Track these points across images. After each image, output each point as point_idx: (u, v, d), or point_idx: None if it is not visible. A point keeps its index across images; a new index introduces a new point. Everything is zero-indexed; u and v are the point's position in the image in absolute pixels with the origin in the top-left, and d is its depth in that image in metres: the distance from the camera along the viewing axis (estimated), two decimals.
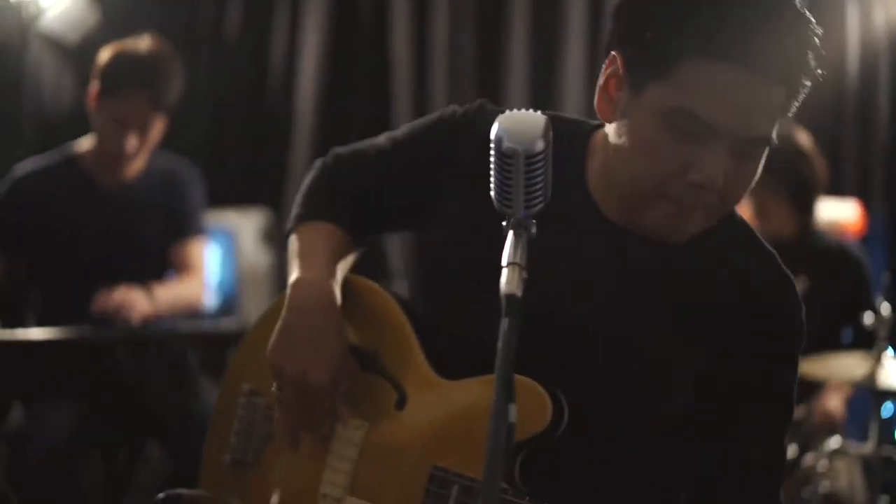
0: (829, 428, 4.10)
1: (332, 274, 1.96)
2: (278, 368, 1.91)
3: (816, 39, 1.69)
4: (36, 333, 3.74)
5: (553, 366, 1.77)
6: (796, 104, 1.73)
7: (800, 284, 4.07)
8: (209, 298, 4.28)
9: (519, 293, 1.50)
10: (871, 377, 3.66)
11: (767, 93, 1.67)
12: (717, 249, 1.83)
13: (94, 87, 3.94)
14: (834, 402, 4.18)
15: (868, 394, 3.85)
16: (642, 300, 1.81)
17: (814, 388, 4.18)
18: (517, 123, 1.59)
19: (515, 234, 1.57)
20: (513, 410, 1.42)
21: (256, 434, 2.06)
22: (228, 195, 5.56)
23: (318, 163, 2.14)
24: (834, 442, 3.91)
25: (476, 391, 1.84)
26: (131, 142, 3.89)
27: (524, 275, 1.52)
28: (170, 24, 5.82)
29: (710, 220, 1.76)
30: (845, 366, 3.85)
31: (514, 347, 1.45)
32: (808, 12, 1.69)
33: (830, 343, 4.27)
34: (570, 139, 1.84)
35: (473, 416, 1.82)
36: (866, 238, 5.50)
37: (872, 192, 5.82)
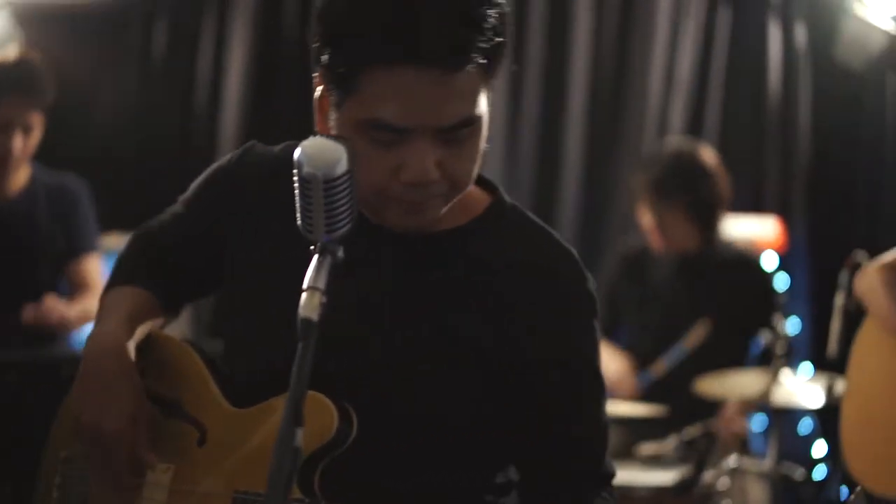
0: (732, 445, 4.12)
1: (127, 327, 1.96)
2: (77, 420, 1.90)
3: (482, 5, 1.69)
4: None
5: (344, 373, 1.78)
6: (498, 65, 1.73)
7: (701, 327, 4.13)
8: None
9: (315, 317, 1.51)
10: (766, 394, 3.69)
11: (450, 79, 1.68)
12: (489, 234, 1.87)
13: None
14: (735, 420, 4.21)
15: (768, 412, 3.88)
16: (426, 293, 1.83)
17: (713, 405, 4.21)
18: (317, 149, 1.60)
19: (319, 259, 1.59)
20: (299, 434, 1.44)
21: (74, 498, 2.03)
22: (150, 217, 5.54)
23: (134, 232, 2.16)
24: (733, 460, 3.92)
25: (269, 411, 1.84)
26: (17, 142, 3.93)
27: (323, 299, 1.53)
28: (97, 45, 5.86)
29: (450, 202, 1.78)
30: (743, 383, 3.89)
31: (308, 371, 1.48)
32: None
33: (740, 356, 4.30)
34: None
35: (268, 435, 1.81)
36: (787, 255, 5.53)
37: (793, 209, 5.85)
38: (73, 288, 4.12)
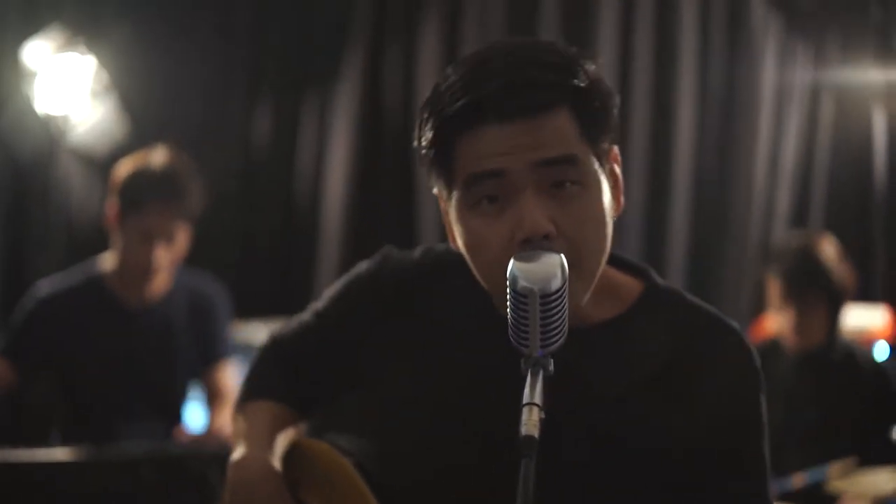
0: None
1: (269, 448, 1.95)
2: None
3: (558, 55, 1.70)
4: (58, 454, 3.66)
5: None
6: (590, 111, 1.70)
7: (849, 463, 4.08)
8: None
9: (537, 434, 1.49)
10: None
11: (536, 126, 1.66)
12: (647, 323, 1.82)
13: (112, 204, 3.95)
14: None
15: None
16: (588, 395, 1.77)
17: (834, 499, 4.13)
18: (533, 262, 1.59)
19: (532, 374, 1.57)
20: None
21: None
22: (256, 306, 5.56)
23: (264, 343, 2.15)
24: None
25: None
26: (159, 254, 3.88)
27: (542, 415, 1.51)
28: (198, 132, 5.91)
29: (581, 281, 1.70)
30: (877, 481, 3.81)
31: (532, 489, 1.46)
32: (541, 42, 1.75)
33: (859, 454, 4.24)
34: (466, 268, 1.82)
35: None
36: None
37: None
38: (210, 395, 4.13)
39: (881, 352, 5.16)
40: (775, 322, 4.57)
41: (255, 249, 6.07)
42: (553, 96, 1.67)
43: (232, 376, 4.18)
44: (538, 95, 1.67)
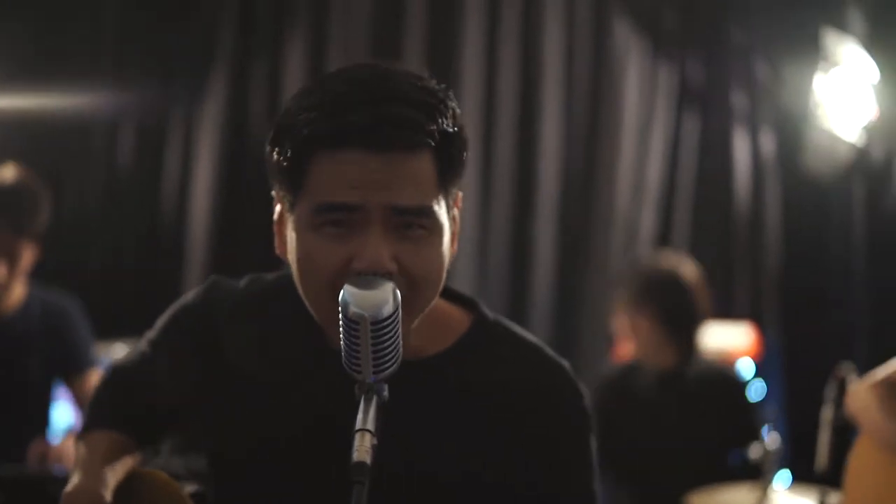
0: None
1: (102, 478, 1.90)
2: None
3: (432, 94, 1.70)
4: None
5: None
6: (452, 160, 1.71)
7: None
8: None
9: (369, 460, 1.48)
10: None
11: (400, 162, 1.66)
12: (475, 355, 1.82)
13: None
14: None
15: None
16: (416, 426, 1.77)
17: None
18: (364, 288, 1.59)
19: (366, 399, 1.55)
20: None
21: None
22: (120, 326, 5.47)
23: (102, 374, 2.13)
24: None
25: None
26: (0, 271, 3.86)
27: (374, 441, 1.50)
28: (62, 148, 5.82)
29: (409, 319, 1.70)
30: (734, 499, 3.85)
31: None
32: (414, 74, 1.72)
33: (717, 471, 4.29)
34: (293, 297, 1.81)
35: None
36: (761, 362, 5.53)
37: (765, 316, 5.88)
38: (79, 405, 4.10)
39: (745, 370, 5.24)
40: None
41: (119, 270, 5.98)
42: (422, 138, 1.66)
43: None
44: (409, 134, 1.66)
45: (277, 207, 1.79)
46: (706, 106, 6.10)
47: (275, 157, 1.72)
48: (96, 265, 5.92)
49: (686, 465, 4.32)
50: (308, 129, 1.66)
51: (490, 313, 1.89)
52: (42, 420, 4.12)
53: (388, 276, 1.65)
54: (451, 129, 1.69)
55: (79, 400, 4.12)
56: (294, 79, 5.97)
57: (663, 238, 6.01)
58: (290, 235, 1.73)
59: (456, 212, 1.78)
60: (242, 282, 1.98)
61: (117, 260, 6.00)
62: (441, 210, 1.71)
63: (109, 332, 4.97)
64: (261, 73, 6.04)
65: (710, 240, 5.90)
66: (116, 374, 2.08)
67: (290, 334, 1.87)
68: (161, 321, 2.02)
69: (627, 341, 4.58)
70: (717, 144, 6.05)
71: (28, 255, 3.94)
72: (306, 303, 1.74)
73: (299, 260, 1.71)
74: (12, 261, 3.88)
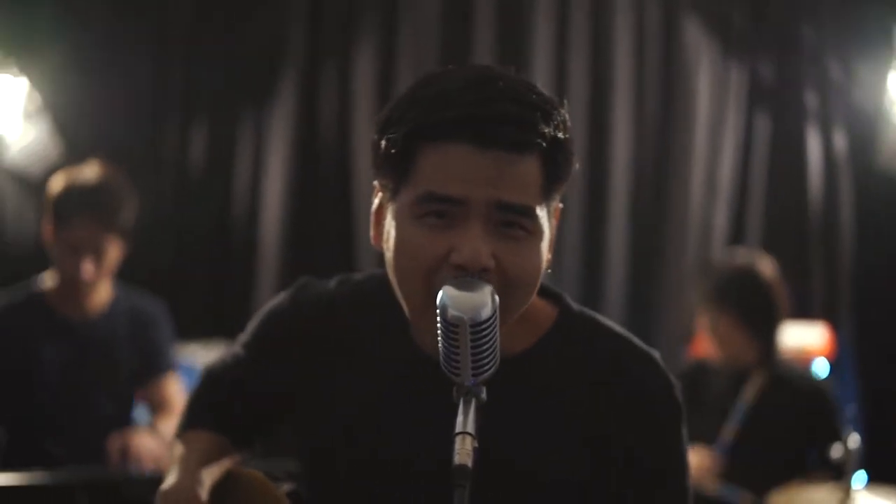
0: None
1: (198, 478, 1.93)
2: None
3: (545, 100, 1.70)
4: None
5: None
6: (560, 167, 1.72)
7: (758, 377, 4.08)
8: None
9: (470, 463, 1.48)
10: None
11: (509, 162, 1.66)
12: (562, 350, 1.82)
13: (47, 219, 3.99)
14: None
15: None
16: (507, 425, 1.76)
17: None
18: (463, 291, 1.59)
19: (465, 402, 1.56)
20: None
21: None
22: (192, 329, 5.51)
23: (199, 375, 2.16)
24: None
25: None
26: (87, 267, 3.90)
27: (475, 444, 1.50)
28: (133, 153, 5.86)
29: (511, 311, 1.71)
30: (815, 499, 3.83)
31: None
32: (526, 80, 1.73)
33: (796, 470, 4.26)
34: (383, 297, 1.84)
35: None
36: (835, 361, 5.49)
37: (840, 315, 5.83)
38: (153, 408, 4.15)
39: (820, 369, 5.20)
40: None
41: (191, 271, 6.00)
42: (532, 138, 1.67)
43: (177, 389, 4.19)
44: (519, 133, 1.66)
45: (377, 198, 1.79)
46: (778, 105, 6.07)
47: (382, 144, 1.72)
48: (168, 268, 5.94)
49: (764, 466, 4.30)
50: (421, 119, 1.67)
51: (575, 305, 1.89)
52: (125, 422, 4.12)
53: (485, 272, 1.65)
54: (561, 136, 1.70)
55: (153, 402, 4.17)
56: (363, 81, 5.98)
57: (736, 237, 5.98)
58: (389, 225, 1.73)
59: (555, 222, 1.79)
60: (332, 282, 1.99)
61: (189, 263, 6.02)
62: (543, 215, 1.71)
63: (182, 334, 5.01)
64: (330, 75, 6.04)
65: (783, 239, 5.86)
66: (212, 375, 2.11)
67: (380, 335, 1.88)
68: (253, 324, 2.05)
69: (705, 340, 4.55)
70: (789, 143, 6.02)
71: (114, 252, 3.97)
72: (398, 293, 1.75)
73: (396, 248, 1.71)
74: (99, 257, 3.92)
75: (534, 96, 1.69)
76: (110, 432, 3.96)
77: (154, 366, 4.16)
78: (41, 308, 4.02)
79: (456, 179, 1.65)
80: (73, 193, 3.93)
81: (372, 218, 1.80)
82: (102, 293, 4.06)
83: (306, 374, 1.92)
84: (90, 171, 4.00)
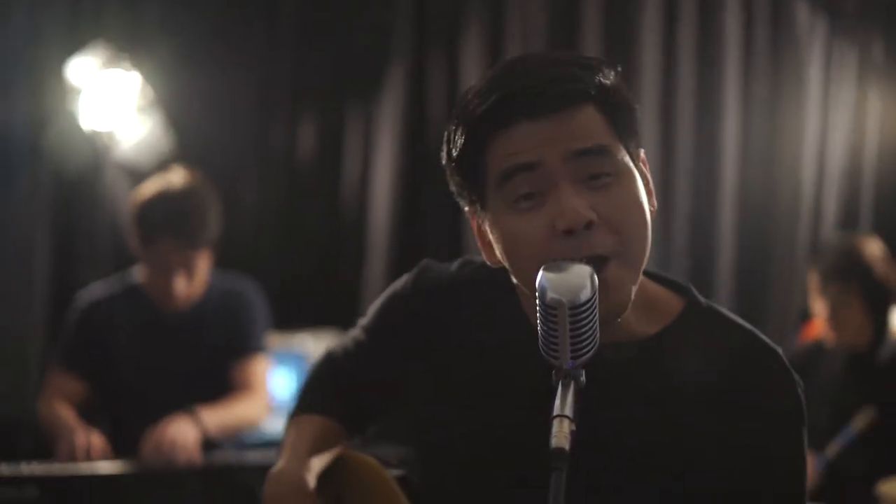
0: None
1: (308, 463, 1.96)
2: None
3: (583, 58, 1.73)
4: (101, 467, 3.64)
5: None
6: (625, 114, 1.73)
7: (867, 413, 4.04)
8: (272, 420, 4.19)
9: (567, 446, 1.48)
10: None
11: (566, 120, 1.68)
12: (687, 341, 1.80)
13: (132, 233, 3.98)
14: None
15: None
16: (626, 413, 1.76)
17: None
18: (561, 273, 1.59)
19: (563, 385, 1.56)
20: None
21: None
22: (302, 317, 5.57)
23: (318, 358, 2.18)
24: None
25: None
26: (179, 284, 3.93)
27: (573, 427, 1.50)
28: (243, 146, 5.92)
29: (628, 271, 1.70)
30: None
31: (562, 501, 1.44)
32: (570, 52, 1.81)
33: None
34: (502, 282, 1.84)
35: None
36: None
37: None
38: (235, 387, 4.05)
39: None
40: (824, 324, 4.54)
41: (301, 262, 6.05)
42: (579, 92, 1.69)
43: (262, 371, 4.12)
44: (565, 90, 1.68)
45: (474, 222, 1.80)
46: (889, 84, 5.96)
47: (454, 159, 1.76)
48: (279, 259, 6.00)
49: (873, 450, 4.25)
50: (476, 113, 1.70)
51: (702, 299, 1.86)
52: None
53: (590, 225, 1.65)
54: (609, 82, 1.71)
55: (237, 383, 4.06)
56: (471, 72, 5.98)
57: (848, 220, 5.90)
58: (492, 234, 1.75)
59: (646, 169, 1.78)
60: (453, 265, 1.99)
61: (299, 254, 6.07)
62: (622, 154, 1.72)
63: (294, 324, 5.06)
64: (437, 67, 6.06)
65: (888, 218, 5.76)
66: (330, 359, 2.13)
67: (499, 318, 1.87)
68: (374, 308, 2.06)
69: (817, 325, 4.50)
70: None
71: (204, 264, 3.99)
72: (523, 287, 1.75)
73: (505, 244, 1.72)
74: (190, 273, 3.94)
75: (576, 57, 1.73)
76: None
77: (240, 346, 4.09)
78: (138, 299, 4.05)
79: (523, 150, 1.68)
80: (157, 213, 3.89)
81: (478, 242, 1.82)
82: (196, 284, 4.04)
83: (425, 357, 1.93)
84: (174, 182, 3.95)
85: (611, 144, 1.70)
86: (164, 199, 3.90)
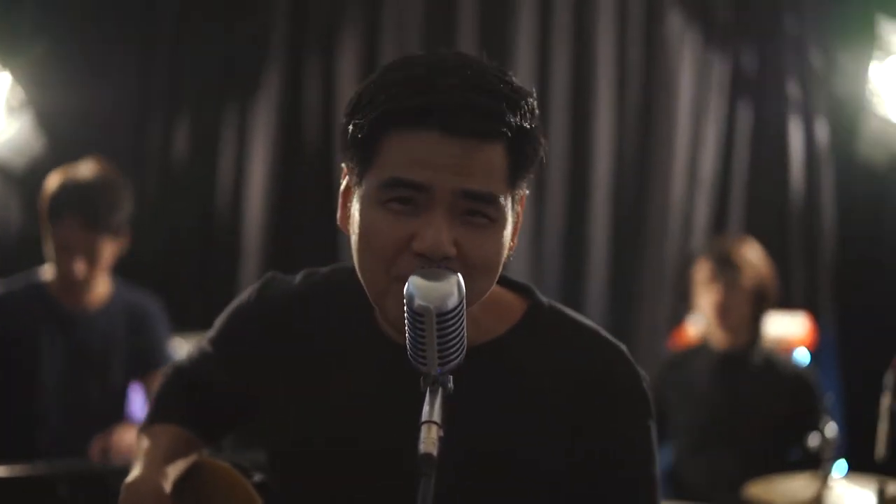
0: None
1: (163, 470, 1.96)
2: None
3: (512, 89, 1.71)
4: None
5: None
6: (525, 155, 1.73)
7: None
8: None
9: (435, 452, 1.49)
10: (818, 499, 3.67)
11: (474, 149, 1.67)
12: (531, 341, 1.83)
13: (41, 216, 4.01)
14: None
15: None
16: (471, 413, 1.75)
17: None
18: (429, 280, 1.60)
19: (431, 391, 1.57)
20: None
21: None
22: (178, 321, 5.51)
23: (166, 370, 2.19)
24: None
25: None
26: (79, 266, 3.94)
27: (440, 433, 1.51)
28: (116, 148, 5.84)
29: (470, 297, 1.70)
30: (793, 488, 3.85)
31: None
32: (497, 68, 1.73)
33: (777, 463, 4.29)
34: (349, 290, 1.86)
35: None
36: (816, 351, 5.51)
37: (821, 305, 5.85)
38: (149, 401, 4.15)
39: (801, 359, 5.23)
40: (696, 328, 4.62)
41: (175, 265, 6.01)
42: (499, 127, 1.68)
43: None
44: (487, 122, 1.67)
45: (344, 180, 1.80)
46: (760, 95, 6.08)
47: (350, 128, 1.73)
48: (154, 261, 5.93)
49: (742, 451, 4.33)
50: (388, 104, 1.68)
51: (545, 299, 1.89)
52: (118, 416, 4.17)
53: (446, 260, 1.66)
54: (528, 125, 1.71)
55: (149, 396, 4.17)
56: (347, 71, 5.99)
57: (718, 227, 6.00)
58: (354, 208, 1.75)
59: (520, 209, 1.80)
60: (298, 277, 2.00)
61: (175, 256, 6.03)
62: (507, 204, 1.72)
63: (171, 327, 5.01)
64: (313, 68, 6.04)
65: (765, 229, 5.86)
66: (179, 371, 2.14)
67: (346, 327, 1.89)
68: (219, 320, 2.06)
69: (688, 329, 4.57)
70: (771, 133, 6.03)
71: (108, 251, 4.00)
72: (360, 276, 1.76)
73: (360, 233, 1.72)
74: (91, 257, 3.95)
75: (501, 84, 1.70)
76: (101, 425, 3.99)
77: (150, 360, 4.20)
78: (42, 298, 4.05)
79: (421, 166, 1.66)
80: (66, 193, 3.95)
81: (339, 199, 1.81)
82: (101, 288, 4.10)
83: (273, 368, 1.94)
84: (84, 171, 4.01)
85: (501, 193, 1.70)
86: (75, 182, 3.97)
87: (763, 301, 4.47)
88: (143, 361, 4.19)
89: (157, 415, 2.11)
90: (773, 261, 4.71)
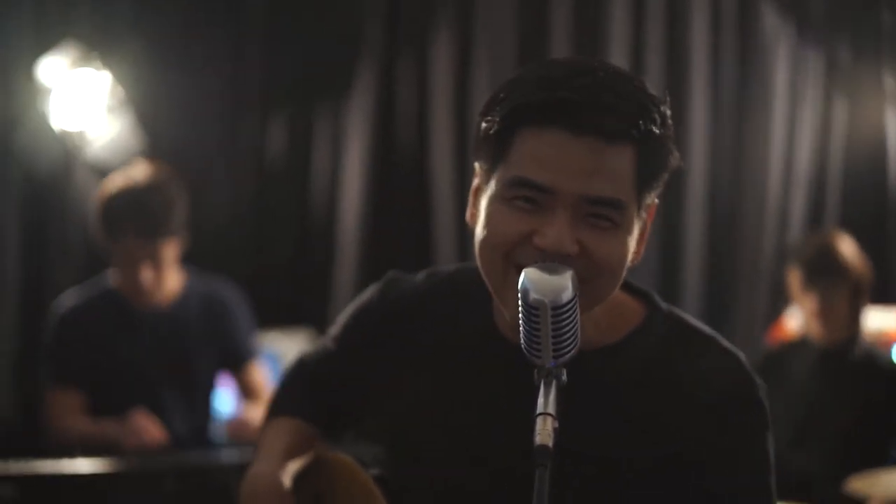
0: None
1: (283, 465, 1.99)
2: None
3: (645, 94, 1.71)
4: (81, 465, 3.67)
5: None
6: (654, 162, 1.73)
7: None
8: None
9: (550, 444, 1.51)
10: None
11: (601, 153, 1.67)
12: (648, 348, 1.83)
13: (97, 230, 4.02)
14: None
15: None
16: (589, 419, 1.77)
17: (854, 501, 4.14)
18: (544, 273, 1.62)
19: (545, 384, 1.59)
20: None
21: None
22: (272, 316, 5.57)
23: (290, 362, 2.22)
24: None
25: None
26: (145, 275, 3.96)
27: (555, 424, 1.53)
28: (213, 145, 5.92)
29: (592, 298, 1.72)
30: (893, 482, 3.82)
31: (546, 499, 1.47)
32: (633, 75, 1.75)
33: (878, 457, 4.25)
34: (469, 291, 1.88)
35: None
36: None
37: None
38: (245, 396, 4.23)
39: None
40: (795, 321, 4.58)
41: (271, 261, 6.06)
42: (627, 129, 1.68)
43: (263, 376, 4.25)
44: (614, 122, 1.67)
45: (476, 179, 1.81)
46: (856, 88, 6.02)
47: (483, 126, 1.75)
48: (249, 259, 6.00)
49: (843, 447, 4.30)
50: (519, 100, 1.69)
51: (664, 304, 1.89)
52: (205, 409, 4.19)
53: (568, 258, 1.67)
54: (658, 131, 1.71)
55: (243, 390, 4.22)
56: (440, 73, 6.00)
57: (814, 222, 5.96)
58: (482, 205, 1.76)
59: (648, 219, 1.79)
60: (419, 276, 2.03)
61: (269, 253, 6.08)
62: (632, 211, 1.72)
63: (265, 322, 5.07)
64: (408, 67, 6.06)
65: (862, 222, 5.80)
66: (302, 365, 2.17)
67: (465, 325, 1.91)
68: (342, 318, 2.09)
69: (787, 322, 4.55)
70: (867, 126, 5.97)
71: (171, 252, 4.00)
72: (480, 268, 1.78)
73: (484, 224, 1.74)
74: (155, 262, 3.96)
75: (633, 89, 1.71)
76: (192, 420, 4.03)
77: (236, 354, 4.19)
78: (115, 302, 4.07)
79: (547, 167, 1.67)
80: (122, 202, 3.93)
81: (470, 198, 1.83)
82: (171, 284, 4.08)
83: (392, 366, 1.97)
84: (136, 175, 3.99)
85: (626, 199, 1.70)
86: (126, 194, 3.94)
87: (861, 296, 4.43)
88: (229, 353, 4.17)
89: (280, 408, 2.14)
90: (870, 255, 4.66)
